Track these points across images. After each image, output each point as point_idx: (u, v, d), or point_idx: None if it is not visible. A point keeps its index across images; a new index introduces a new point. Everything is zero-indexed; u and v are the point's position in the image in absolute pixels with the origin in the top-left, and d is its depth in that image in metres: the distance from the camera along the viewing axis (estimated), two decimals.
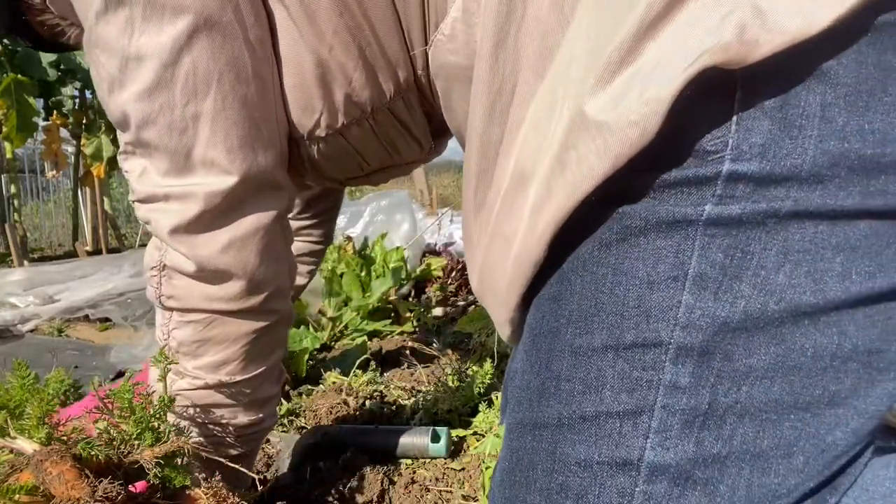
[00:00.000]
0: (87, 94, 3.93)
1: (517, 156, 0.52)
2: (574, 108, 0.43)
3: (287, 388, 1.38)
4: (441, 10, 0.62)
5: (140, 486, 0.55)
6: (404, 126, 0.76)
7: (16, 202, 3.84)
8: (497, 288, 0.55)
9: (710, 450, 0.43)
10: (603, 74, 0.41)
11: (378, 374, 1.43)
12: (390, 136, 0.77)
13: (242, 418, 0.77)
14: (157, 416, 0.59)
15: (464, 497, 0.94)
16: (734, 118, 0.41)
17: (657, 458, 0.44)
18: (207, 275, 0.70)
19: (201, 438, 0.76)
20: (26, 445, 0.52)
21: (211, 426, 0.76)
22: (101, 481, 0.48)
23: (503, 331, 0.59)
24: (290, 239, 0.78)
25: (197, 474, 0.59)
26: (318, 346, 1.73)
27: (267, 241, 0.72)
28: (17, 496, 0.48)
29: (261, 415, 0.79)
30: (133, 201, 0.73)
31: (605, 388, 0.45)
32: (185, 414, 0.75)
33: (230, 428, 0.77)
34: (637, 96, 0.40)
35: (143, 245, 4.48)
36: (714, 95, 0.40)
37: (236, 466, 0.66)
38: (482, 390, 1.28)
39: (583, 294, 0.47)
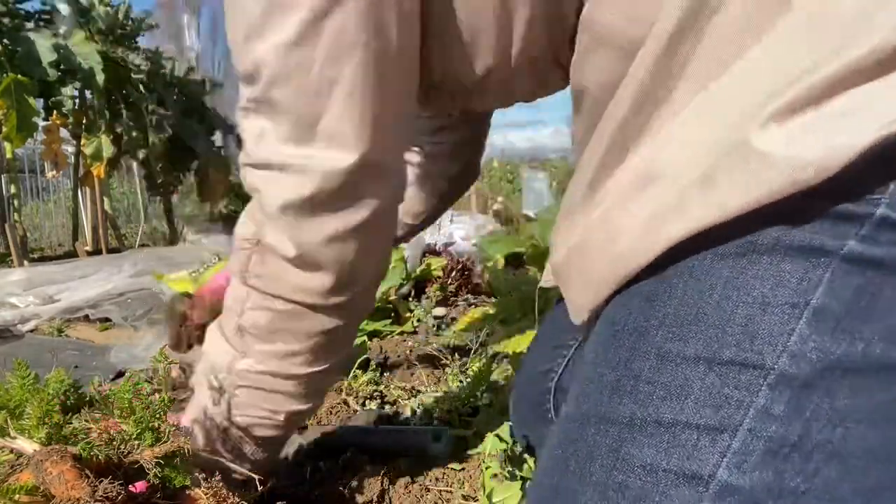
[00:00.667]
0: (87, 94, 3.92)
1: (651, 156, 0.50)
2: (740, 133, 0.43)
3: None
4: None
5: (140, 485, 0.55)
6: (563, 70, 0.68)
7: (16, 202, 3.84)
8: (589, 275, 0.54)
9: (789, 483, 0.42)
10: (783, 110, 0.41)
11: (378, 375, 1.43)
12: (546, 75, 0.70)
13: (297, 406, 0.75)
14: (157, 415, 0.59)
15: (464, 497, 0.94)
16: None
17: (730, 479, 0.43)
18: (304, 262, 0.65)
19: (245, 417, 0.75)
20: (26, 445, 0.52)
21: (263, 409, 0.74)
22: (102, 481, 0.48)
23: (578, 315, 0.58)
24: (393, 231, 0.74)
25: (197, 474, 0.59)
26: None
27: (373, 236, 0.67)
28: (17, 496, 0.48)
29: (313, 403, 0.78)
30: (244, 164, 0.67)
31: (689, 399, 0.45)
32: (238, 392, 0.73)
33: (282, 414, 0.75)
34: (819, 141, 0.39)
35: (144, 245, 4.48)
36: (885, 150, 0.39)
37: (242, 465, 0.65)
38: (482, 390, 1.28)
39: (683, 300, 0.46)
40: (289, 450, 1.06)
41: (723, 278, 0.45)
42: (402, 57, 0.63)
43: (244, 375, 0.72)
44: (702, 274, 0.46)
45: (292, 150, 0.62)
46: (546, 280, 0.76)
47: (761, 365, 0.43)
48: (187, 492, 0.56)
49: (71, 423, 0.57)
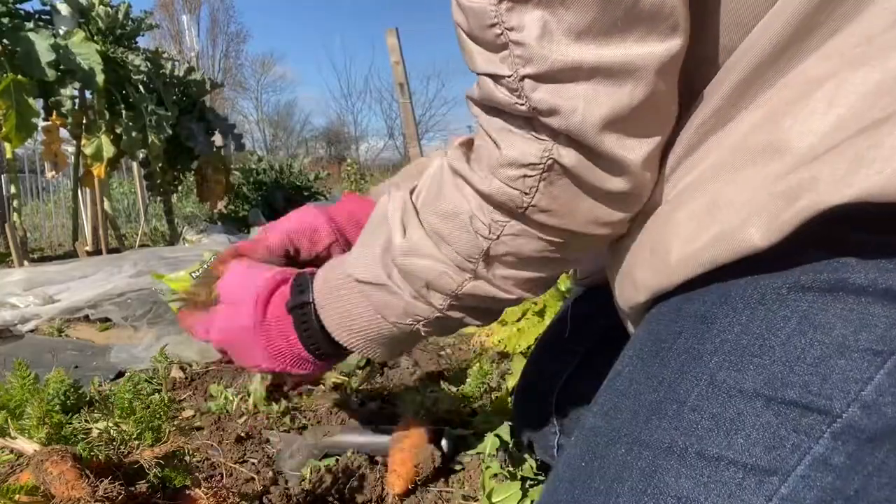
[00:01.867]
0: (87, 94, 3.92)
1: (782, 122, 0.43)
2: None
3: (287, 387, 1.38)
4: None
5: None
6: None
7: (16, 202, 3.84)
8: (668, 261, 0.48)
9: None
10: None
11: (378, 375, 1.43)
12: None
13: (488, 320, 0.66)
14: (158, 415, 0.59)
15: (464, 497, 0.94)
16: None
17: None
18: (629, 194, 0.51)
19: (431, 315, 0.63)
20: (26, 446, 0.52)
21: (467, 316, 0.64)
22: (102, 481, 0.49)
23: (637, 294, 0.52)
24: None
25: (197, 474, 0.59)
26: None
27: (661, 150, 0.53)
28: (18, 496, 0.48)
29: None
30: (524, 77, 0.47)
31: (739, 435, 0.42)
32: (451, 312, 0.62)
33: (462, 322, 0.65)
34: None
35: (144, 245, 4.48)
36: None
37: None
38: (482, 390, 1.28)
39: (748, 328, 0.43)
40: (289, 450, 1.06)
41: (800, 312, 0.41)
42: None
43: (468, 299, 0.61)
44: (775, 303, 0.42)
45: (598, 45, 0.45)
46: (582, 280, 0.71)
47: (827, 411, 0.40)
48: (187, 492, 0.56)
49: (71, 424, 0.57)
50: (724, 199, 0.44)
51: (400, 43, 5.54)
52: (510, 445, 1.02)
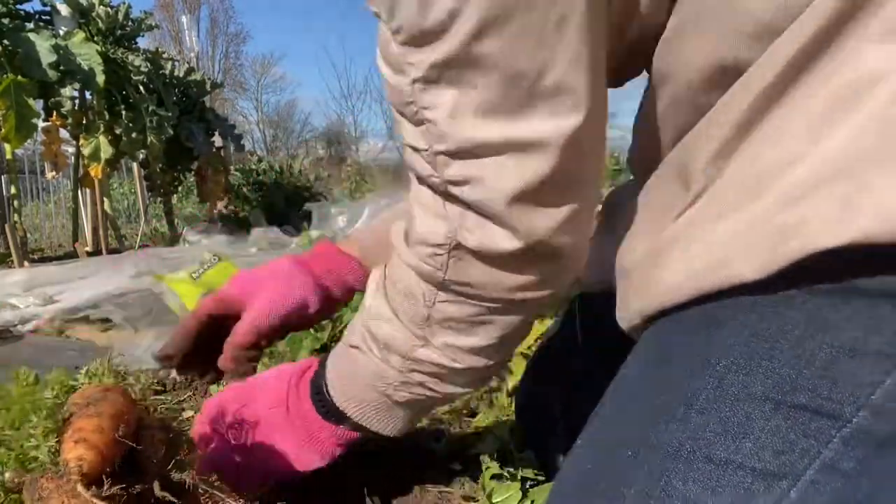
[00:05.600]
0: (87, 94, 3.93)
1: (760, 148, 0.44)
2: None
3: None
4: None
5: None
6: None
7: (16, 203, 3.84)
8: (661, 278, 0.49)
9: None
10: None
11: None
12: None
13: (458, 389, 0.68)
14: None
15: (464, 497, 0.94)
16: None
17: None
18: (529, 257, 0.54)
19: (410, 395, 0.68)
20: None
21: (429, 389, 0.68)
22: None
23: (631, 317, 0.53)
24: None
25: (197, 474, 0.59)
26: (318, 346, 1.72)
27: (593, 212, 0.57)
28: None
29: (473, 388, 0.71)
30: (437, 153, 0.51)
31: (747, 439, 0.41)
32: (412, 377, 0.67)
33: (442, 393, 0.68)
34: None
35: (144, 246, 4.47)
36: None
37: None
38: (482, 390, 1.28)
39: (757, 332, 0.43)
40: None
41: (807, 313, 0.41)
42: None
43: (421, 364, 0.65)
44: (782, 305, 0.42)
45: (504, 122, 0.48)
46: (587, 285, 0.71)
47: (837, 415, 0.39)
48: (188, 491, 0.56)
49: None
50: (715, 236, 0.45)
51: None
52: (510, 445, 1.02)
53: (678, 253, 0.48)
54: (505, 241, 0.53)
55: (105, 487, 0.47)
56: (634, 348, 0.54)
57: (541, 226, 0.52)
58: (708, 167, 0.48)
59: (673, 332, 0.48)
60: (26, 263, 3.36)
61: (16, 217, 3.65)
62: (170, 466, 0.55)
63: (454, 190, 0.52)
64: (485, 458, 1.01)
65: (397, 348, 0.65)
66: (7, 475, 0.49)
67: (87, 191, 4.44)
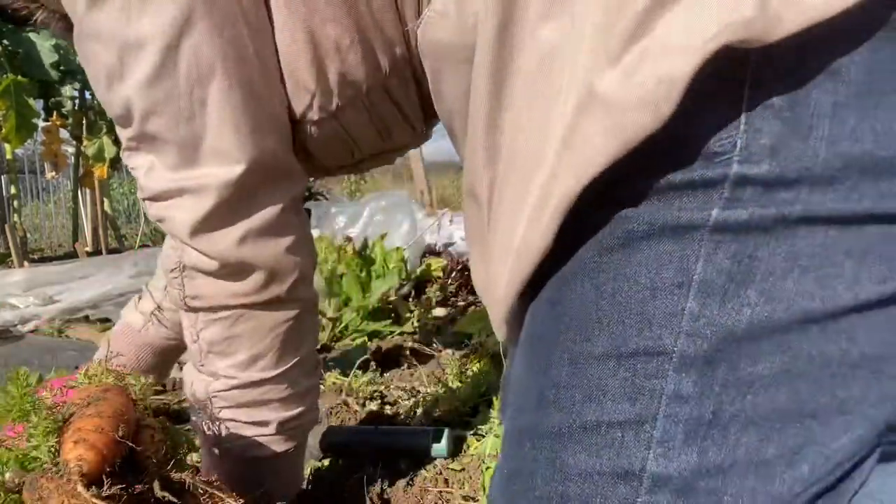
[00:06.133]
0: (87, 94, 3.93)
1: (511, 143, 0.49)
2: (583, 86, 0.41)
3: None
4: None
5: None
6: (398, 106, 0.74)
7: (16, 203, 3.84)
8: (496, 284, 0.53)
9: (714, 460, 0.42)
10: (614, 49, 0.39)
11: (378, 375, 1.43)
12: (384, 118, 0.75)
13: (282, 413, 0.76)
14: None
15: (464, 497, 0.94)
16: (742, 117, 0.39)
17: (660, 469, 0.43)
18: (229, 270, 0.69)
19: (244, 440, 0.75)
20: None
21: (252, 425, 0.75)
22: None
23: (499, 331, 0.58)
24: (306, 224, 0.77)
25: (199, 475, 0.59)
26: (318, 346, 1.72)
27: (285, 227, 0.70)
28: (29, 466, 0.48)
29: (301, 408, 0.78)
30: (144, 199, 0.70)
31: (606, 397, 0.44)
32: (222, 415, 0.74)
33: (271, 424, 0.75)
34: (650, 73, 0.38)
35: (144, 245, 4.48)
36: (722, 92, 0.39)
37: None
38: (482, 390, 1.28)
39: (582, 299, 0.46)
40: None
41: (612, 271, 0.44)
42: (264, 62, 0.65)
43: (221, 397, 0.73)
44: (593, 270, 0.45)
45: (183, 173, 0.65)
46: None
47: (663, 350, 0.42)
48: (188, 491, 0.56)
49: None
50: (514, 223, 0.49)
51: None
52: None
53: (498, 265, 0.52)
54: (203, 262, 0.68)
55: (105, 487, 0.47)
56: (517, 346, 0.57)
57: (221, 246, 0.67)
58: (484, 172, 0.53)
59: (532, 317, 0.51)
60: (26, 263, 3.36)
61: (16, 217, 3.66)
62: (170, 466, 0.55)
63: (161, 226, 0.70)
64: (485, 458, 1.01)
65: (200, 393, 0.75)
66: (7, 475, 0.49)
67: (87, 191, 4.44)
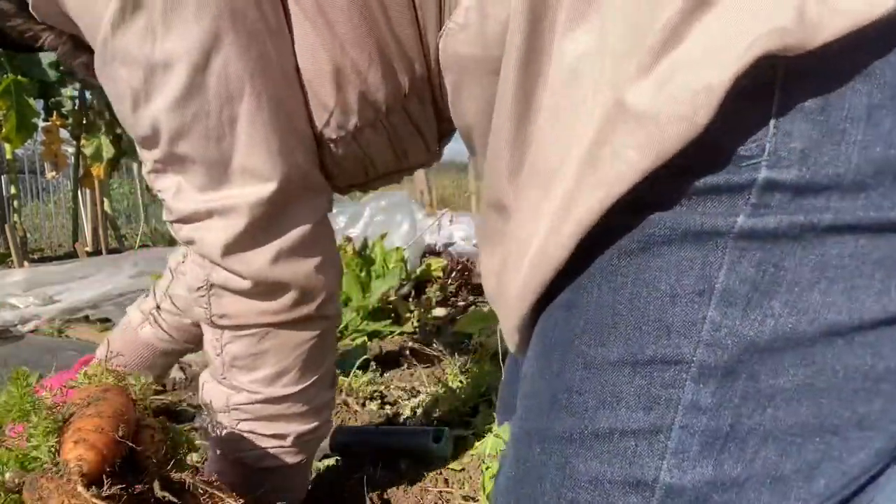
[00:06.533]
0: (87, 94, 3.93)
1: (534, 154, 0.49)
2: (611, 97, 0.40)
3: None
4: (454, 2, 0.58)
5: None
6: (416, 127, 0.73)
7: (16, 203, 3.84)
8: (508, 293, 0.53)
9: (730, 473, 0.41)
10: (644, 60, 0.38)
11: (378, 375, 1.43)
12: (403, 140, 0.74)
13: (300, 427, 0.76)
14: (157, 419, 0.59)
15: (464, 497, 0.94)
16: (772, 121, 0.38)
17: (673, 480, 0.42)
18: (262, 289, 0.68)
19: (259, 450, 0.75)
20: None
21: (269, 437, 0.75)
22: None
23: (511, 340, 0.57)
24: (334, 240, 0.76)
25: (199, 477, 0.59)
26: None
27: (315, 245, 0.70)
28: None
29: (318, 422, 0.78)
30: (171, 222, 0.69)
31: (621, 405, 0.43)
32: (241, 427, 0.74)
33: (289, 438, 0.76)
34: (685, 84, 0.37)
35: (144, 245, 4.48)
36: (751, 96, 0.38)
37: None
38: (482, 390, 1.28)
39: (599, 304, 0.45)
40: None
41: (631, 276, 0.43)
42: (289, 79, 0.64)
43: (242, 409, 0.74)
44: (611, 274, 0.44)
45: (213, 194, 0.64)
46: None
47: (681, 359, 0.42)
48: (189, 491, 0.55)
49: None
50: (531, 232, 0.49)
51: None
52: None
53: (511, 273, 0.52)
54: (235, 282, 0.67)
55: (105, 487, 0.47)
56: (528, 349, 0.56)
57: (255, 266, 0.66)
58: (508, 185, 0.53)
59: (545, 321, 0.51)
60: (26, 263, 3.36)
61: (16, 217, 3.66)
62: (170, 466, 0.55)
63: (191, 248, 0.69)
64: (485, 458, 1.01)
65: (219, 406, 0.74)
66: (7, 475, 0.49)
67: (87, 191, 4.44)
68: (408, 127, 0.72)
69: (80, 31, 0.65)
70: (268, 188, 0.64)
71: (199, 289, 0.70)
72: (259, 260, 0.66)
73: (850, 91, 0.37)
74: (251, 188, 0.64)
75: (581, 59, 0.44)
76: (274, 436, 0.75)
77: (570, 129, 0.45)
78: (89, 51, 0.67)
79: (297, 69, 0.65)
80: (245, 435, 0.75)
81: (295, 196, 0.67)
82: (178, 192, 0.66)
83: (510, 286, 0.52)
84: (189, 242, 0.68)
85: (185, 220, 0.67)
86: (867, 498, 0.44)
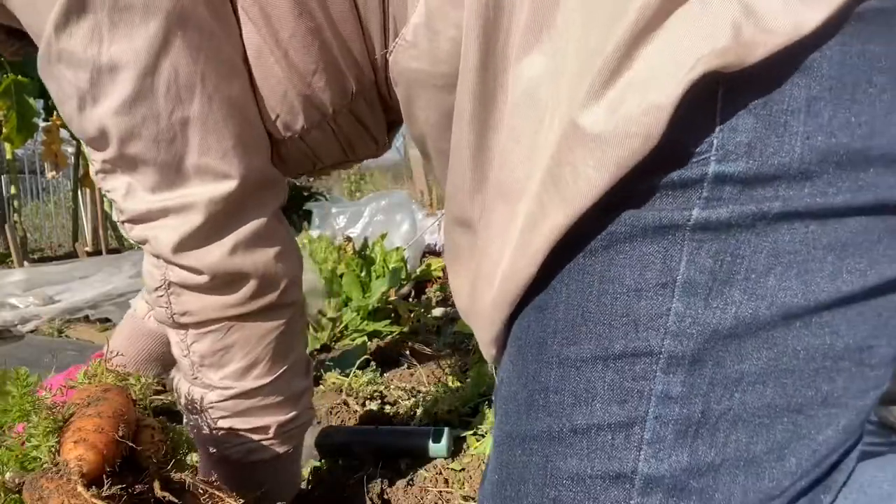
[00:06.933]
0: None
1: (498, 172, 0.50)
2: (567, 119, 0.42)
3: None
4: (401, 14, 0.59)
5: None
6: (364, 126, 0.74)
7: (16, 203, 3.84)
8: (481, 308, 0.54)
9: (704, 458, 0.43)
10: (596, 84, 0.40)
11: (378, 375, 1.43)
12: (349, 138, 0.75)
13: (279, 417, 0.76)
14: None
15: (464, 497, 0.94)
16: (718, 118, 0.40)
17: (651, 470, 0.43)
18: (220, 282, 0.68)
19: (243, 445, 0.75)
20: None
21: (250, 432, 0.75)
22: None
23: (488, 353, 0.57)
24: (289, 229, 0.77)
25: (200, 477, 0.59)
26: (318, 346, 1.72)
27: (273, 235, 0.70)
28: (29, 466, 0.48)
29: (296, 411, 0.78)
30: (122, 222, 0.69)
31: (596, 400, 0.45)
32: (220, 425, 0.74)
33: (270, 430, 0.76)
34: (635, 106, 0.39)
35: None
36: (698, 102, 0.39)
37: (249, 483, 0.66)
38: (482, 390, 1.28)
39: (569, 303, 0.46)
40: None
41: (597, 274, 0.44)
42: (239, 74, 0.64)
43: (218, 407, 0.74)
44: (578, 273, 0.45)
45: (168, 193, 0.64)
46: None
47: (650, 351, 0.43)
48: (188, 491, 0.56)
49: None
50: (502, 246, 0.50)
51: None
52: None
53: (484, 289, 0.53)
54: (191, 278, 0.67)
55: (105, 487, 0.47)
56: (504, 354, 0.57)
57: (209, 260, 0.66)
58: (471, 202, 0.54)
59: (519, 324, 0.51)
60: (26, 263, 3.36)
61: (16, 217, 3.66)
62: (170, 466, 0.55)
63: (144, 247, 0.69)
64: (485, 458, 1.01)
65: (195, 405, 0.74)
66: (7, 475, 0.49)
67: (87, 191, 4.44)
68: (355, 126, 0.73)
69: (17, 23, 0.64)
70: (226, 186, 0.64)
71: (157, 289, 0.70)
72: (216, 253, 0.66)
73: (789, 85, 0.39)
74: (207, 186, 0.64)
75: (536, 81, 0.46)
76: (255, 430, 0.75)
77: (531, 149, 0.47)
78: (25, 37, 0.67)
79: (250, 69, 0.65)
80: (227, 432, 0.75)
81: (252, 191, 0.67)
82: (128, 193, 0.65)
83: (483, 301, 0.53)
84: (142, 242, 0.68)
85: (138, 219, 0.67)
86: (840, 476, 0.45)
